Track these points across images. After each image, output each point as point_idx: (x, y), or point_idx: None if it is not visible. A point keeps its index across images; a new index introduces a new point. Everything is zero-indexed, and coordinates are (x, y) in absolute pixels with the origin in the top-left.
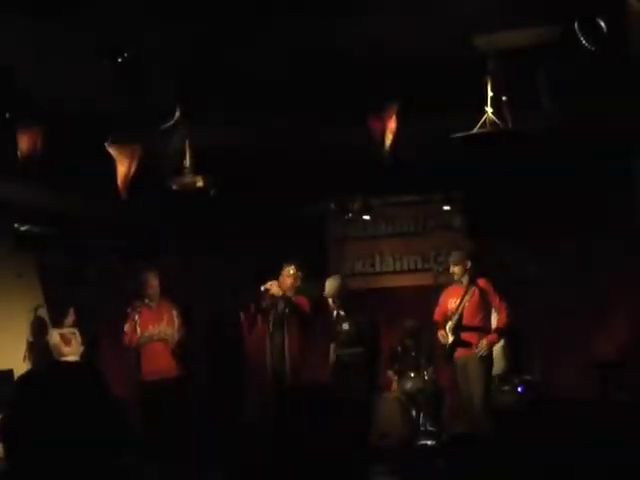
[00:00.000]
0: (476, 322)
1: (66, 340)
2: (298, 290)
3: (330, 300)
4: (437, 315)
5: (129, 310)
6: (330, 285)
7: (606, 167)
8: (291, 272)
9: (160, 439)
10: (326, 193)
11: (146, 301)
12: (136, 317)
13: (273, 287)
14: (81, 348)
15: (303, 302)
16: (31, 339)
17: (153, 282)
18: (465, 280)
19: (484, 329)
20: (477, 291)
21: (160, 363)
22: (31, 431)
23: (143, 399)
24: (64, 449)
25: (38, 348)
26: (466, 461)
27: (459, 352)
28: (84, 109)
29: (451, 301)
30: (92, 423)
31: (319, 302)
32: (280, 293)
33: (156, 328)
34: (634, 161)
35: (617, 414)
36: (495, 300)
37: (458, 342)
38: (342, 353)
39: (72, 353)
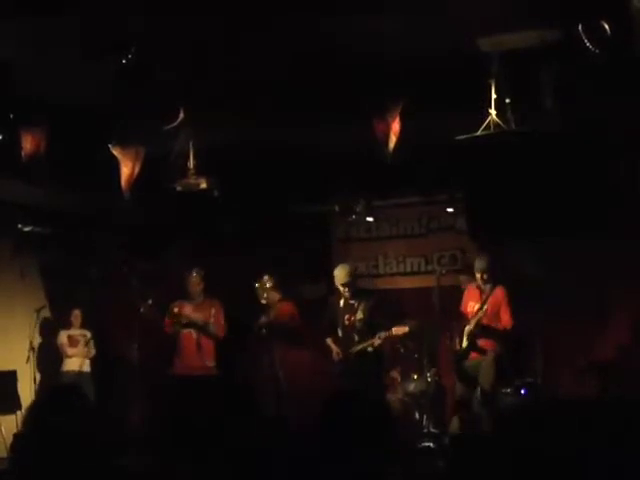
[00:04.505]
0: (494, 325)
1: (72, 341)
2: (281, 297)
3: (342, 289)
4: (467, 316)
5: (171, 305)
6: (341, 272)
7: (608, 167)
8: (267, 284)
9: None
10: (330, 194)
11: (189, 299)
12: (175, 310)
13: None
14: (92, 351)
15: (287, 308)
16: (34, 340)
17: (194, 280)
18: (488, 286)
19: (501, 333)
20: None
21: (192, 356)
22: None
23: (169, 393)
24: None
25: (42, 350)
26: (468, 463)
27: (472, 355)
28: (87, 109)
29: (471, 304)
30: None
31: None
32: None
33: (192, 314)
34: (636, 161)
35: (617, 415)
36: (502, 311)
37: (473, 348)
38: (358, 346)
39: (76, 354)
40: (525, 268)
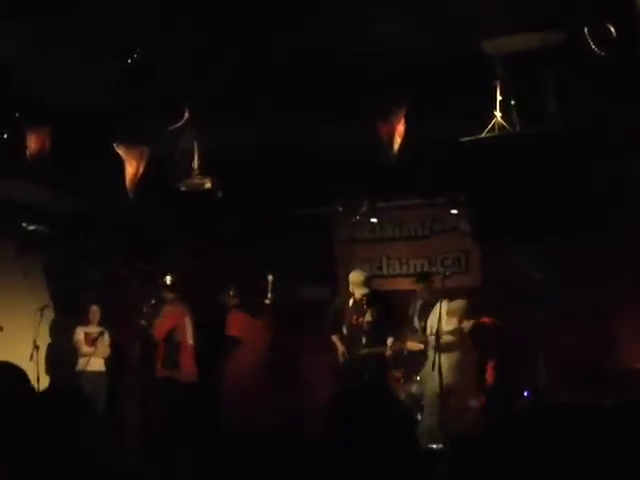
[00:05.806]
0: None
1: (89, 339)
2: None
3: (359, 296)
4: None
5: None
6: (359, 279)
7: (607, 167)
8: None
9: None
10: (333, 195)
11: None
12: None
13: None
14: (107, 350)
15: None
16: (37, 339)
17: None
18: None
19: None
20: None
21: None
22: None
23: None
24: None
25: (47, 348)
26: (469, 464)
27: None
28: (91, 110)
29: None
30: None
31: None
32: None
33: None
34: (636, 162)
35: (616, 417)
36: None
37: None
38: (367, 349)
39: (91, 353)
40: (529, 269)
